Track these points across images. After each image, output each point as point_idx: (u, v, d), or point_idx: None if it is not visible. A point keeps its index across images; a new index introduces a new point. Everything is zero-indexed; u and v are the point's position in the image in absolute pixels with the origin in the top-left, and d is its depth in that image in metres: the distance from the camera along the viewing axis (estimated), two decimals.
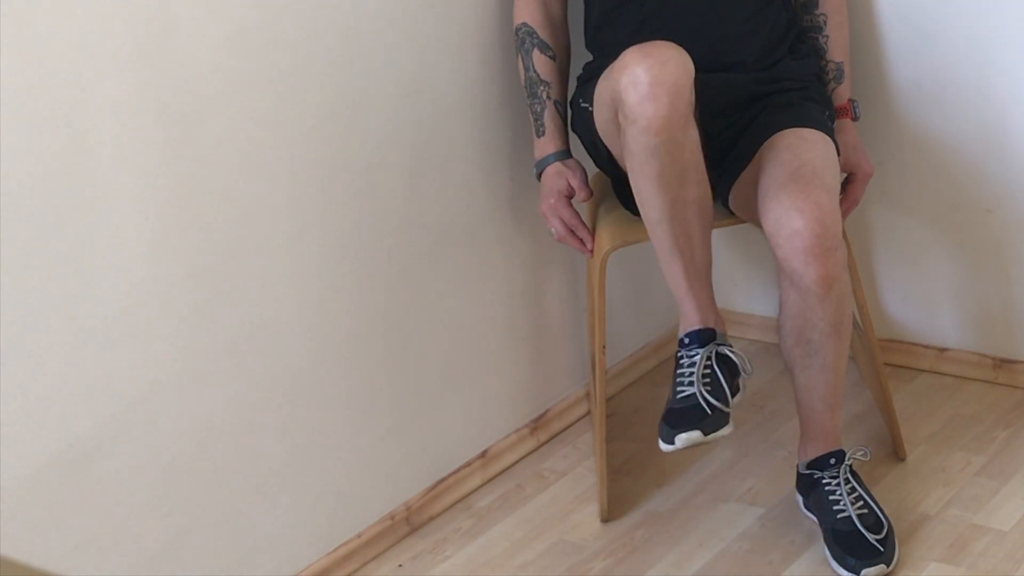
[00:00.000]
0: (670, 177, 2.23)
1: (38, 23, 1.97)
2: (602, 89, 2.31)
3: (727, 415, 2.27)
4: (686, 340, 2.34)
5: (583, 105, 2.47)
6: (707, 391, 2.26)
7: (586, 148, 2.55)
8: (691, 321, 2.35)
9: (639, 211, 2.33)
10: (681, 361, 2.33)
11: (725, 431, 2.26)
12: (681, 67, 2.19)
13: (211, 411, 2.28)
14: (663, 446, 2.27)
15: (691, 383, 2.28)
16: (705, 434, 2.24)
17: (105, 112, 2.06)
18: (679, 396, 2.29)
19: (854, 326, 2.49)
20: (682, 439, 2.24)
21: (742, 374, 2.33)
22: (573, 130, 2.57)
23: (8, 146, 1.96)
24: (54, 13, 1.99)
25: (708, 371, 2.29)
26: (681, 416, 2.27)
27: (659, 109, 2.16)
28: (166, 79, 2.13)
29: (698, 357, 2.30)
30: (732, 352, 2.33)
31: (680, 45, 2.44)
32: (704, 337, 2.32)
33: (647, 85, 2.16)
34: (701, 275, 2.34)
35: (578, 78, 2.60)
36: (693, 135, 2.24)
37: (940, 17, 2.68)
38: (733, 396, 2.29)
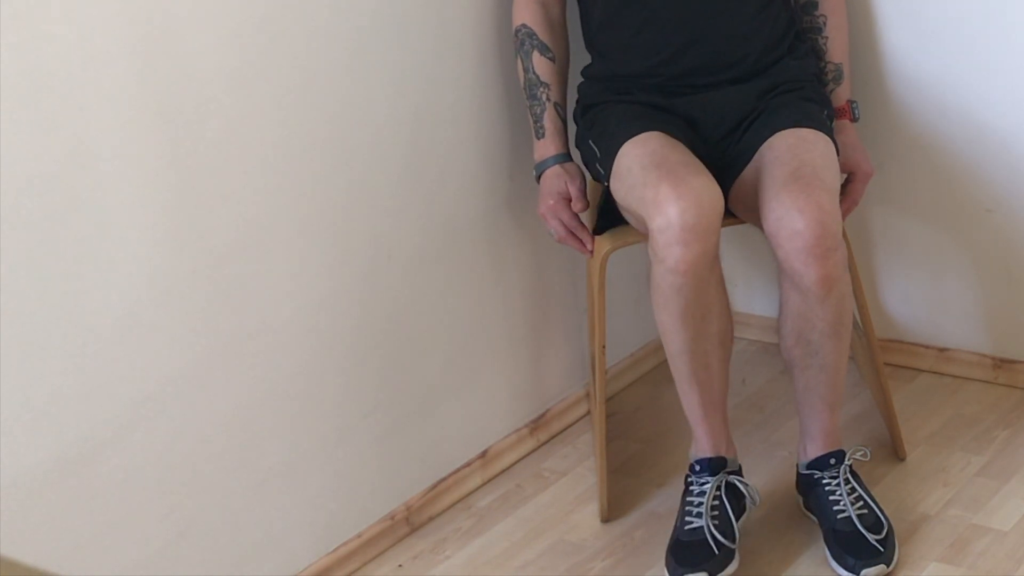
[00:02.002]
0: (693, 313, 2.29)
1: (38, 23, 1.97)
2: (627, 195, 2.33)
3: (733, 551, 2.34)
4: (697, 467, 2.41)
5: (598, 168, 2.47)
6: (715, 526, 2.34)
7: (585, 166, 2.56)
8: (703, 447, 2.42)
9: (621, 220, 2.33)
10: (691, 488, 2.41)
11: (731, 569, 2.34)
12: (713, 208, 2.23)
13: (211, 411, 2.28)
14: None
15: (700, 515, 2.36)
16: (711, 575, 2.32)
17: (106, 112, 2.06)
18: (687, 528, 2.37)
19: (854, 326, 2.49)
20: None
21: (748, 507, 2.43)
22: (576, 147, 2.58)
23: (9, 146, 1.96)
24: (54, 13, 1.99)
25: (717, 503, 2.37)
26: (689, 553, 2.34)
27: (687, 253, 2.21)
28: (166, 79, 2.13)
29: (708, 487, 2.38)
30: (741, 483, 2.41)
31: (681, 46, 2.46)
32: (715, 466, 2.40)
33: (679, 230, 2.20)
34: (717, 404, 2.41)
35: (578, 87, 2.60)
36: (718, 272, 2.30)
37: (940, 17, 2.68)
38: (738, 520, 2.38)
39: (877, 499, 2.41)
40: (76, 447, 2.10)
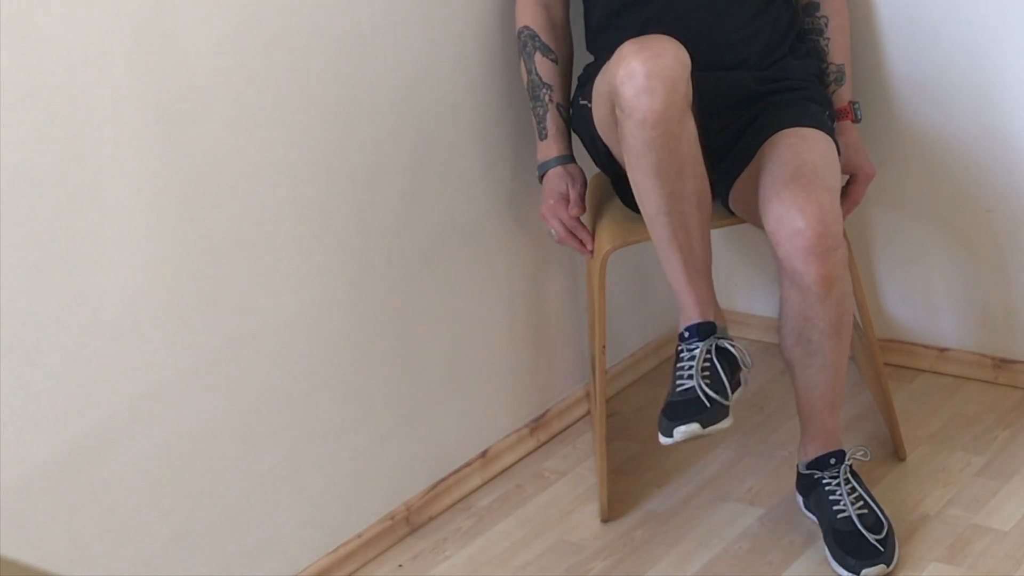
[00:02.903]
0: (667, 170, 2.23)
1: (38, 23, 1.97)
2: (600, 84, 2.31)
3: (726, 408, 2.26)
4: (686, 334, 2.33)
5: (583, 103, 2.47)
6: (706, 384, 2.26)
7: (585, 146, 2.55)
8: (690, 315, 2.34)
9: (638, 207, 2.33)
10: (681, 355, 2.33)
11: (724, 424, 2.25)
12: (677, 60, 2.19)
13: (211, 411, 2.28)
14: (662, 439, 2.27)
15: (690, 376, 2.27)
16: (704, 427, 2.23)
17: (105, 112, 2.06)
18: (678, 389, 2.28)
19: (854, 326, 2.49)
20: (681, 432, 2.23)
21: (742, 368, 2.33)
22: (573, 129, 2.58)
23: (8, 146, 1.96)
24: (54, 13, 1.99)
25: (708, 364, 2.28)
26: (680, 409, 2.26)
27: (655, 102, 2.16)
28: (166, 79, 2.13)
29: (697, 351, 2.29)
30: (732, 346, 2.32)
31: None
32: (704, 331, 2.32)
33: (643, 78, 2.16)
34: (700, 269, 2.33)
35: (579, 78, 2.61)
36: (690, 128, 2.24)
37: (940, 17, 2.68)
38: (733, 390, 2.29)
39: (877, 499, 2.41)
40: (76, 447, 2.10)
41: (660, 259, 2.34)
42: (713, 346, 2.30)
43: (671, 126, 2.19)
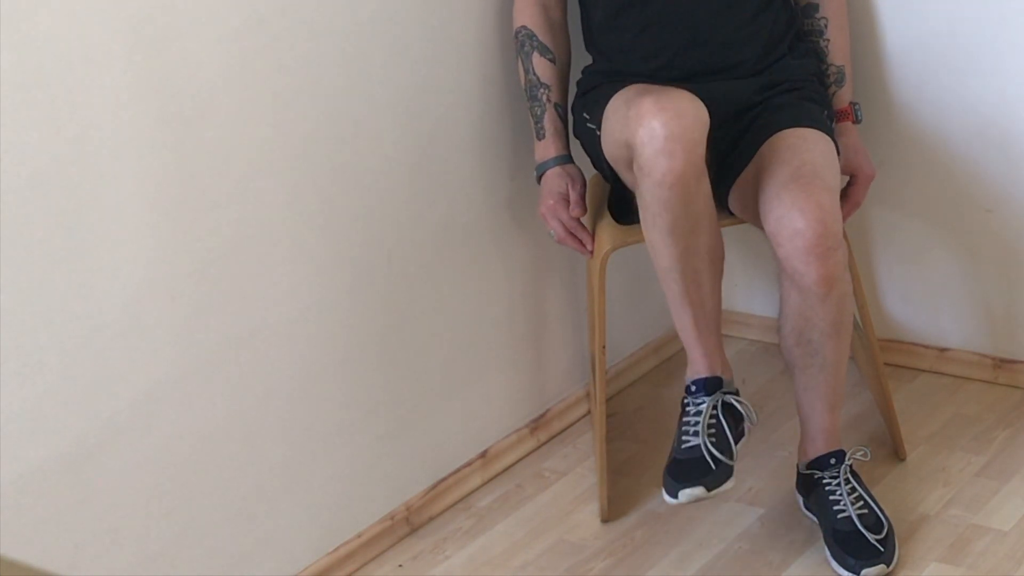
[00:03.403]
0: (682, 228, 2.25)
1: (38, 23, 1.97)
2: (615, 127, 2.32)
3: (731, 468, 2.30)
4: (692, 387, 2.37)
5: (590, 126, 2.47)
6: (712, 443, 2.30)
7: (587, 153, 2.56)
8: (698, 368, 2.38)
9: (628, 217, 2.33)
10: (687, 408, 2.37)
11: (728, 485, 2.30)
12: (697, 120, 2.21)
13: (211, 411, 2.28)
14: (667, 499, 2.31)
15: (696, 432, 2.32)
16: (708, 490, 2.28)
17: (105, 112, 2.06)
18: (684, 446, 2.32)
19: (854, 326, 2.49)
20: (686, 494, 2.28)
21: (747, 421, 2.37)
22: (575, 136, 2.58)
23: (8, 146, 1.96)
24: (54, 13, 1.99)
25: (713, 421, 2.33)
26: (686, 469, 2.30)
27: (674, 163, 2.18)
28: (167, 79, 2.13)
29: (704, 406, 2.33)
30: (738, 401, 2.36)
31: (681, 47, 2.46)
32: (711, 386, 2.36)
33: (663, 140, 2.17)
34: (710, 323, 2.37)
35: (578, 83, 2.60)
36: (705, 186, 2.26)
37: (940, 18, 2.68)
38: (737, 442, 2.33)
39: (877, 499, 2.41)
40: (76, 447, 2.10)
41: (671, 310, 2.38)
42: (719, 402, 2.35)
43: (688, 186, 2.21)
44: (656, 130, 2.17)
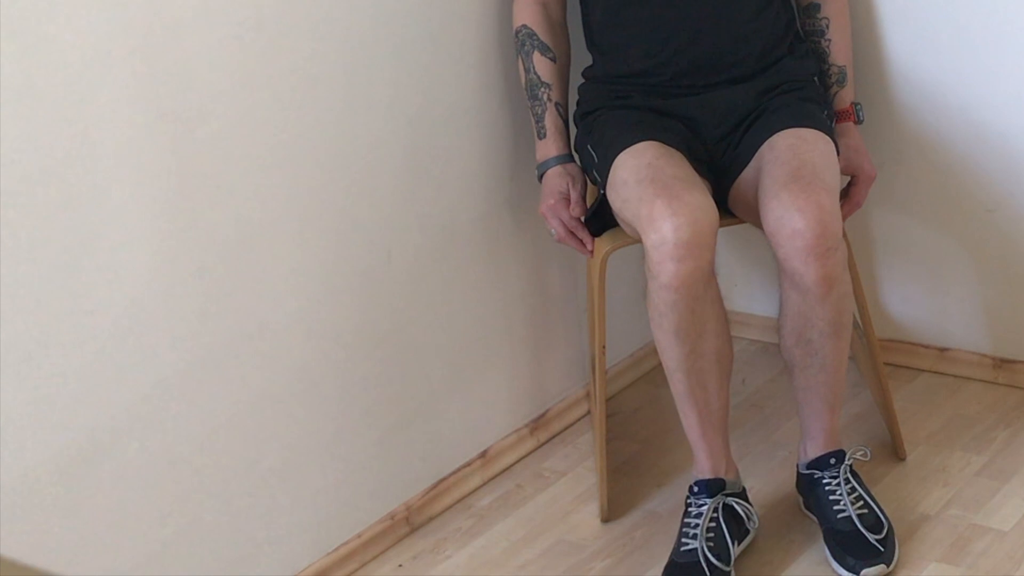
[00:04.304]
0: (688, 330, 2.28)
1: (39, 23, 1.97)
2: (623, 207, 2.33)
3: (727, 574, 2.33)
4: (695, 488, 2.40)
5: (596, 175, 2.46)
6: (709, 548, 2.32)
7: (583, 170, 2.56)
8: (702, 468, 2.41)
9: (599, 229, 2.35)
10: (689, 509, 2.39)
11: None
12: (708, 224, 2.23)
13: (212, 411, 2.28)
14: None
15: (695, 536, 2.34)
16: None
17: (106, 112, 2.06)
18: (682, 549, 2.35)
19: (854, 326, 2.49)
20: None
21: (748, 524, 2.40)
22: (575, 149, 2.58)
23: (9, 146, 1.96)
24: (55, 13, 1.99)
25: (713, 524, 2.35)
26: (682, 574, 2.32)
27: (682, 268, 2.21)
28: (166, 79, 2.13)
29: (705, 508, 2.36)
30: (739, 504, 2.39)
31: (682, 46, 2.46)
32: (713, 488, 2.38)
33: (672, 246, 2.20)
34: (715, 423, 2.39)
35: (579, 89, 2.60)
36: (714, 290, 2.29)
37: (941, 18, 2.68)
38: (738, 545, 2.36)
39: (877, 499, 2.41)
40: (76, 447, 2.10)
41: (678, 410, 2.40)
42: (721, 505, 2.37)
43: (695, 289, 2.24)
44: (667, 235, 2.20)
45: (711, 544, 2.33)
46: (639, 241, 2.42)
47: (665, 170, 2.30)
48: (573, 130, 2.61)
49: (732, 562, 2.34)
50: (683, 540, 2.36)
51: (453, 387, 2.68)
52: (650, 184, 2.26)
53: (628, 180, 2.32)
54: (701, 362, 2.33)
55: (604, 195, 2.45)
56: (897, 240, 2.89)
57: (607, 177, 2.39)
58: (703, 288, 2.25)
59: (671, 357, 2.33)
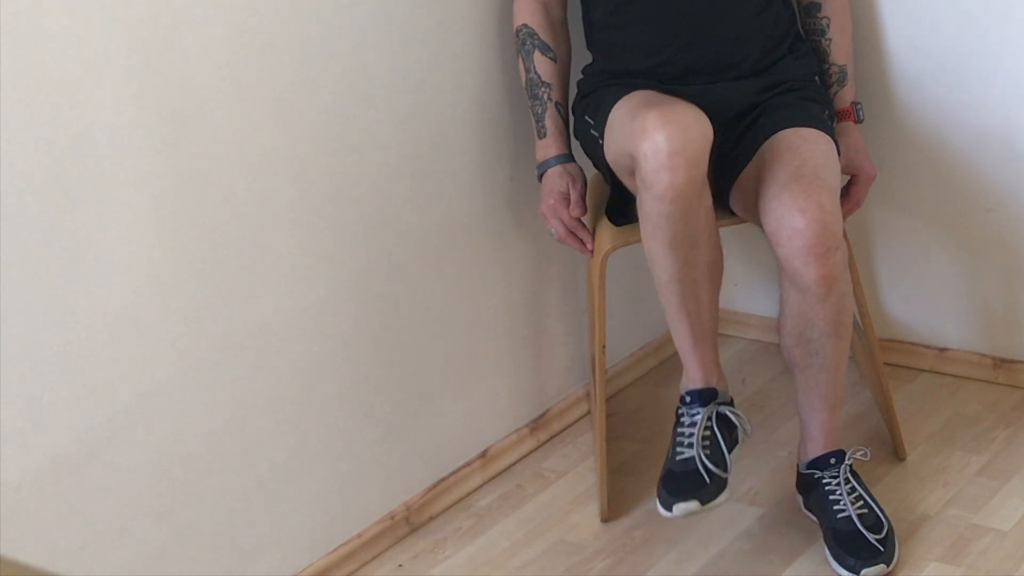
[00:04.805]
0: (682, 242, 2.26)
1: (38, 23, 1.97)
2: (619, 137, 2.32)
3: (724, 481, 2.32)
4: (687, 398, 2.39)
5: (592, 133, 2.47)
6: (706, 455, 2.31)
7: (587, 155, 2.56)
8: (694, 379, 2.40)
9: (623, 219, 2.34)
10: (682, 419, 2.38)
11: (722, 498, 2.31)
12: (701, 134, 2.21)
13: (211, 411, 2.28)
14: (661, 511, 2.32)
15: (691, 444, 2.33)
16: (703, 504, 2.29)
17: (106, 112, 2.06)
18: (678, 458, 2.34)
19: (854, 326, 2.49)
20: (680, 508, 2.29)
21: (740, 431, 2.39)
22: (575, 137, 2.58)
23: (9, 146, 1.96)
24: (54, 13, 1.99)
25: (708, 432, 2.34)
26: (680, 482, 2.31)
27: (676, 178, 2.19)
28: (166, 79, 2.13)
29: (699, 417, 2.35)
30: (732, 413, 2.38)
31: (682, 46, 2.46)
32: (705, 397, 2.37)
33: (666, 155, 2.18)
34: (706, 335, 2.38)
35: (579, 83, 2.60)
36: (707, 200, 2.27)
37: (941, 17, 2.68)
38: (731, 452, 2.35)
39: (877, 499, 2.41)
40: (76, 447, 2.10)
41: (667, 320, 2.40)
42: (714, 413, 2.35)
43: (689, 201, 2.22)
44: (660, 144, 2.18)
45: (707, 452, 2.31)
46: (639, 241, 2.42)
47: (660, 97, 2.30)
48: (573, 121, 2.60)
49: (729, 469, 2.32)
50: (678, 449, 2.34)
51: (453, 387, 2.68)
52: (643, 106, 2.26)
53: (623, 116, 2.31)
54: (694, 273, 2.31)
55: (613, 189, 2.44)
56: (897, 240, 2.89)
57: (604, 129, 2.39)
58: (696, 199, 2.23)
59: (664, 269, 2.31)
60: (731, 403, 2.42)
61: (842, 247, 2.27)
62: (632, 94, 2.37)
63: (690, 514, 2.29)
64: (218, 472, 2.30)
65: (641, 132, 2.21)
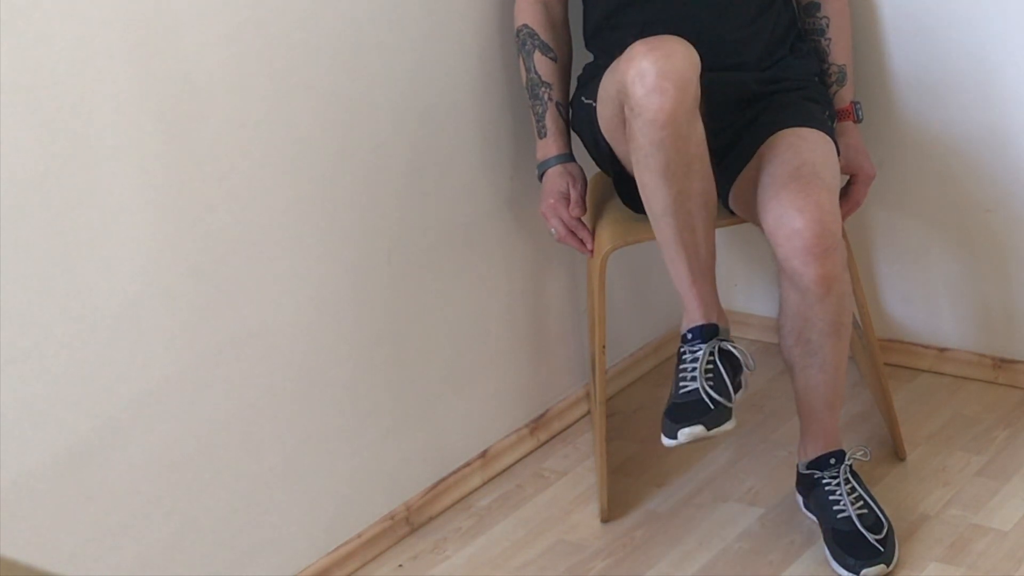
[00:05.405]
0: (675, 170, 2.23)
1: (38, 23, 1.97)
2: (607, 83, 2.31)
3: (730, 410, 2.26)
4: (688, 336, 2.33)
5: (586, 102, 2.46)
6: (710, 386, 2.26)
7: (586, 146, 2.55)
8: (694, 316, 2.34)
9: (643, 206, 2.33)
10: (683, 356, 2.33)
11: (728, 426, 2.26)
12: (688, 60, 2.19)
13: (211, 411, 2.28)
14: (665, 441, 2.27)
15: (694, 378, 2.28)
16: (708, 428, 2.24)
17: (105, 112, 2.06)
18: (681, 391, 2.29)
19: (854, 326, 2.49)
20: (685, 433, 2.24)
21: (744, 369, 2.33)
22: (573, 128, 2.58)
23: (8, 146, 1.96)
24: (54, 13, 1.99)
25: (711, 366, 2.28)
26: (684, 411, 2.26)
27: (665, 102, 2.17)
28: (166, 79, 2.13)
29: (701, 352, 2.30)
30: (735, 348, 2.33)
31: None
32: (707, 333, 2.32)
33: (654, 77, 2.16)
34: (705, 270, 2.33)
35: (578, 78, 2.61)
36: (698, 128, 2.24)
37: (941, 17, 2.68)
38: (736, 391, 2.29)
39: (877, 499, 2.41)
40: (76, 447, 2.10)
41: (665, 259, 2.34)
42: (716, 348, 2.30)
43: (680, 127, 2.19)
44: (647, 69, 2.16)
45: (711, 383, 2.27)
46: (642, 240, 2.43)
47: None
48: (572, 113, 2.60)
49: (734, 400, 2.28)
50: (681, 384, 2.29)
51: (453, 387, 2.68)
52: (629, 46, 2.23)
53: (612, 66, 2.28)
54: (689, 204, 2.27)
55: (615, 175, 2.44)
56: (897, 240, 2.89)
57: (597, 95, 2.36)
58: (688, 126, 2.20)
59: (659, 200, 2.27)
60: (732, 339, 2.37)
61: (841, 247, 2.27)
62: None
63: (695, 439, 2.23)
64: (218, 472, 2.30)
65: (627, 61, 2.19)
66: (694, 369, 2.29)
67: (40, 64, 1.98)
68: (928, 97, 2.74)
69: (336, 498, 2.50)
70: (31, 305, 2.02)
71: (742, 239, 3.05)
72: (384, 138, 2.47)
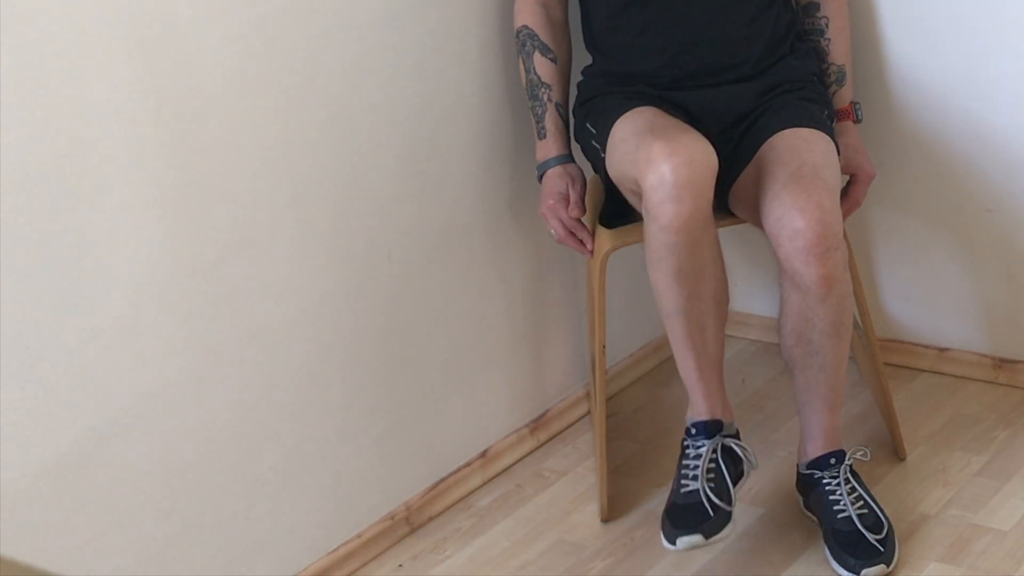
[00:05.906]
0: (687, 273, 2.27)
1: (38, 23, 1.97)
2: (623, 159, 2.33)
3: (729, 514, 2.32)
4: (693, 430, 2.39)
5: (595, 144, 2.47)
6: (710, 489, 2.31)
7: (587, 159, 2.56)
8: (699, 411, 2.40)
9: (623, 221, 2.34)
10: (687, 451, 2.38)
11: (726, 532, 2.31)
12: (706, 164, 2.21)
13: (212, 411, 2.28)
14: (665, 544, 2.33)
15: (695, 478, 2.33)
16: (707, 537, 2.29)
17: (106, 112, 2.06)
18: (683, 491, 2.34)
19: (854, 326, 2.49)
20: (684, 542, 2.30)
21: (746, 464, 2.39)
22: (575, 139, 2.58)
23: (8, 146, 1.96)
24: (54, 13, 1.99)
25: (713, 465, 2.34)
26: (684, 515, 2.32)
27: (682, 209, 2.19)
28: (166, 79, 2.13)
29: (704, 450, 2.35)
30: (737, 445, 2.38)
31: (683, 48, 2.46)
32: (711, 429, 2.37)
33: (671, 186, 2.18)
34: (712, 366, 2.38)
35: (578, 85, 2.60)
36: (712, 232, 2.28)
37: (941, 17, 2.68)
38: (736, 486, 2.35)
39: (877, 499, 2.41)
40: (76, 447, 2.10)
41: (673, 352, 2.39)
42: (719, 446, 2.36)
43: (694, 232, 2.22)
44: (665, 175, 2.18)
45: (712, 485, 2.32)
46: (641, 240, 2.42)
47: (663, 122, 2.31)
48: (573, 124, 2.61)
49: (733, 503, 2.33)
50: (683, 482, 2.35)
51: (453, 387, 2.68)
52: (648, 133, 2.26)
53: (627, 137, 2.32)
54: (700, 305, 2.31)
55: (611, 183, 2.45)
56: (897, 240, 2.89)
57: (606, 143, 2.39)
58: (702, 231, 2.24)
59: (670, 300, 2.31)
60: (736, 435, 2.43)
61: (842, 247, 2.27)
62: (635, 112, 2.37)
63: (694, 547, 2.30)
64: (218, 472, 2.30)
65: (647, 162, 2.21)
66: (696, 467, 2.34)
67: (40, 64, 1.98)
68: (928, 97, 2.74)
69: (336, 498, 2.50)
70: (31, 305, 2.02)
71: (742, 239, 3.05)
72: (385, 138, 2.47)
